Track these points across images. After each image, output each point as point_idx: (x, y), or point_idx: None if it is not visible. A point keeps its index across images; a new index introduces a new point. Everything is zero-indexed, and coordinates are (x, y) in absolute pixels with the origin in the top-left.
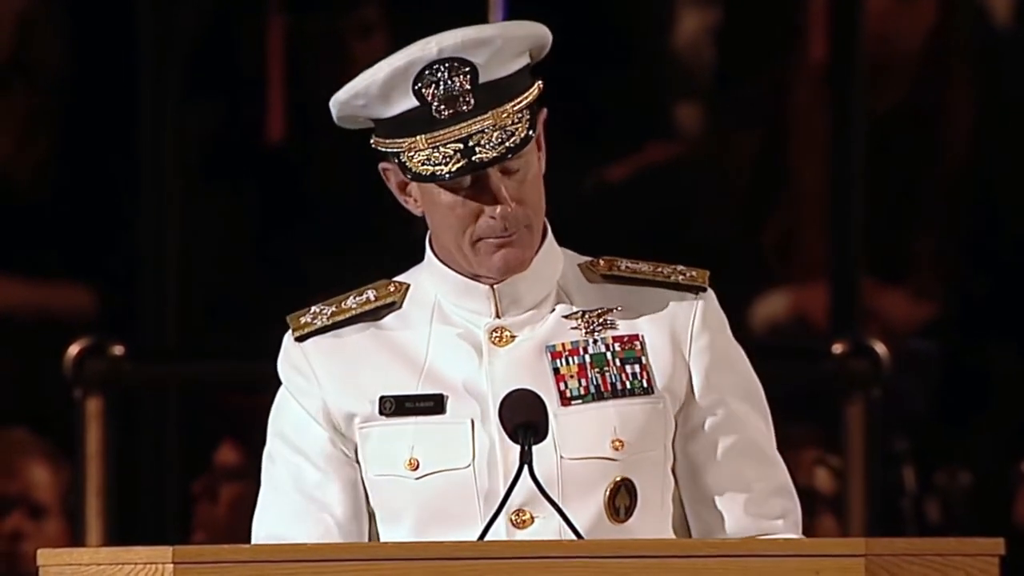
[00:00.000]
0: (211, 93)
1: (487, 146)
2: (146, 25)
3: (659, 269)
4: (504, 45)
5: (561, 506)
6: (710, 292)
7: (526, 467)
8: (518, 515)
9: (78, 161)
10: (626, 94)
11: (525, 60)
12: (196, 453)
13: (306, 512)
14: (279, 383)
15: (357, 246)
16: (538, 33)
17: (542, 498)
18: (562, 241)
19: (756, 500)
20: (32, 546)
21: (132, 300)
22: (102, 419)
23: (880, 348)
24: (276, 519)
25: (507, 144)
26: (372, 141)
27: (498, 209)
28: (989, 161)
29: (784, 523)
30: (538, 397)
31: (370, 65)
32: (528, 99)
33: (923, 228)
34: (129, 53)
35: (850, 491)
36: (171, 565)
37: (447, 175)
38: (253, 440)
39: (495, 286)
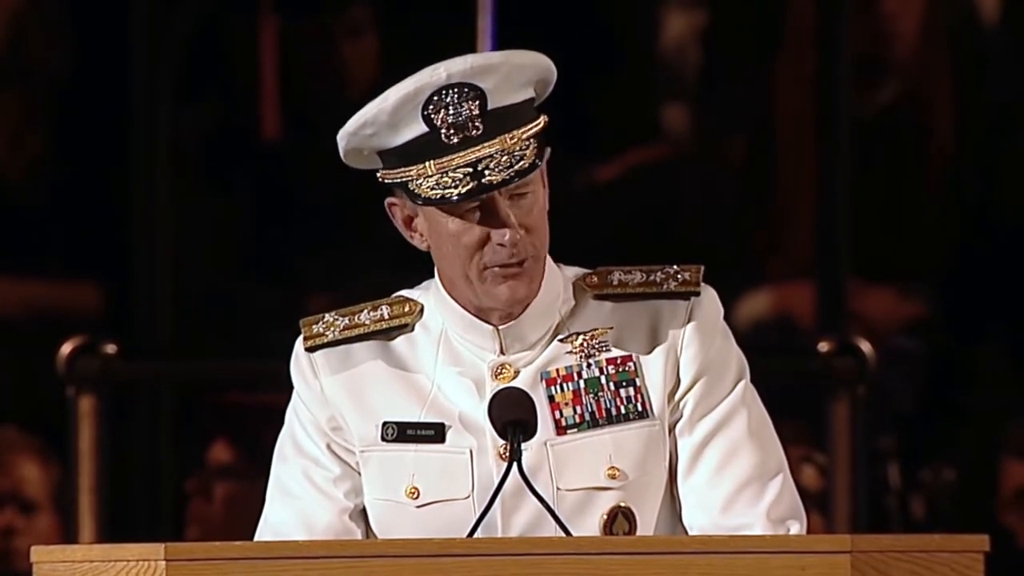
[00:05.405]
0: (204, 93)
1: (496, 169)
2: (139, 25)
3: (651, 278)
4: (511, 72)
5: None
6: (704, 293)
7: (515, 464)
8: None
9: (72, 160)
10: (614, 96)
11: (531, 92)
12: (189, 451)
13: (317, 505)
14: (271, 381)
15: (350, 245)
16: (542, 64)
17: (536, 527)
18: (554, 242)
19: (725, 504)
20: (24, 541)
21: (125, 299)
22: (95, 417)
23: (865, 346)
24: (283, 515)
25: (515, 168)
26: (379, 175)
27: (507, 235)
28: (975, 161)
29: (761, 520)
30: (527, 395)
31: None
32: (535, 129)
33: (908, 227)
34: (122, 52)
35: (836, 488)
36: (163, 562)
37: (456, 197)
38: (246, 438)
39: (500, 327)
